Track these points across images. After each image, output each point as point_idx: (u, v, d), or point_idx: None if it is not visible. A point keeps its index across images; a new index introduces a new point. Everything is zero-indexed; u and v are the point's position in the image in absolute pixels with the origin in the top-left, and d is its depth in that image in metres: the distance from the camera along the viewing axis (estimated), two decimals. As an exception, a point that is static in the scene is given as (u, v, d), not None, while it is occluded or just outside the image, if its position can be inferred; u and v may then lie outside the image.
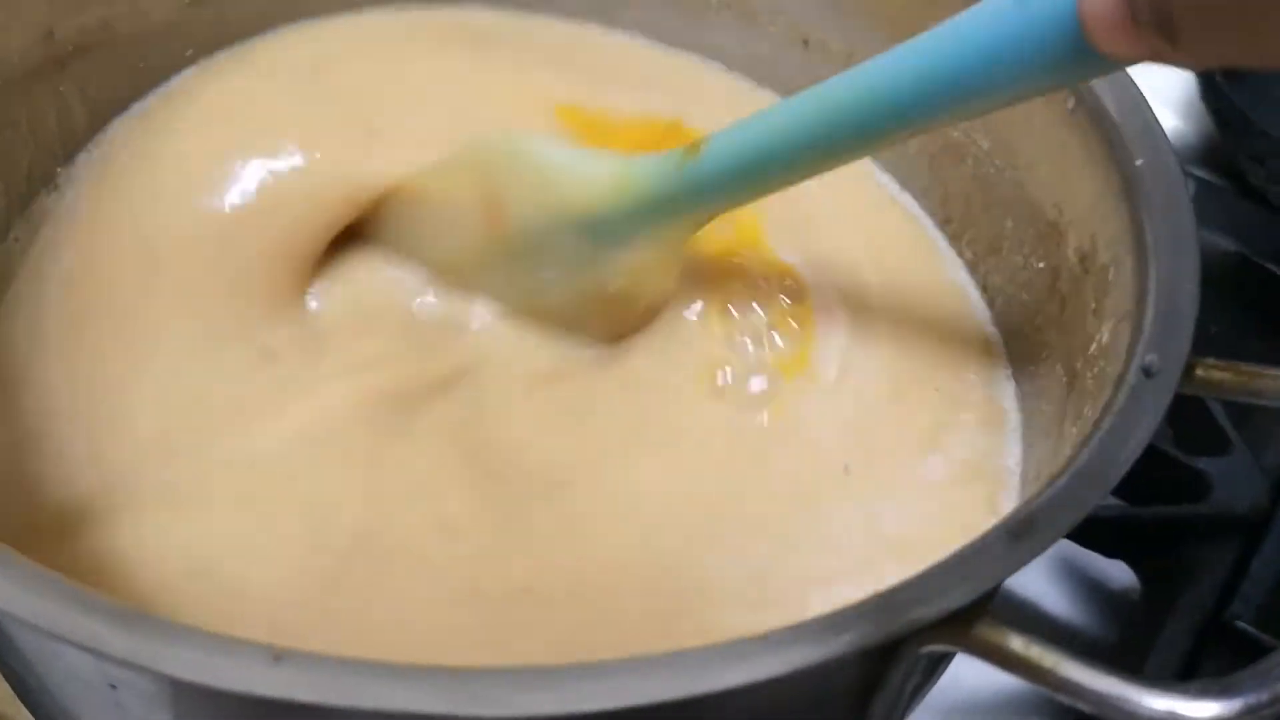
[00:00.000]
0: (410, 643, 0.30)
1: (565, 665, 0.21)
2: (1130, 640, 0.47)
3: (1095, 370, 0.33)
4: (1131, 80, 0.37)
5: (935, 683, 0.36)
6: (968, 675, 0.47)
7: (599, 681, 0.21)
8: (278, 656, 0.22)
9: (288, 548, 0.32)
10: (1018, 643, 0.24)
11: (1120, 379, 0.29)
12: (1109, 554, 0.49)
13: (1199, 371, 0.30)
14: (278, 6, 0.47)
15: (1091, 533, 0.47)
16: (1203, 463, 0.48)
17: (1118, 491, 0.48)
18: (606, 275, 0.36)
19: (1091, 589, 0.51)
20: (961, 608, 0.24)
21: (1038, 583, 0.51)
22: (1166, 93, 0.69)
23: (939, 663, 0.33)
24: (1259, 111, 0.58)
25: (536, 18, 0.49)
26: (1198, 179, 0.64)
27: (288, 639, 0.23)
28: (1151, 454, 0.47)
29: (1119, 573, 0.49)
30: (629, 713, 0.21)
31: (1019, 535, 0.25)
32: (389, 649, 0.24)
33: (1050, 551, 0.50)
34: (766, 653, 0.23)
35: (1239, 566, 0.47)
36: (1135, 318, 0.30)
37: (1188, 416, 0.51)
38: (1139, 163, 0.34)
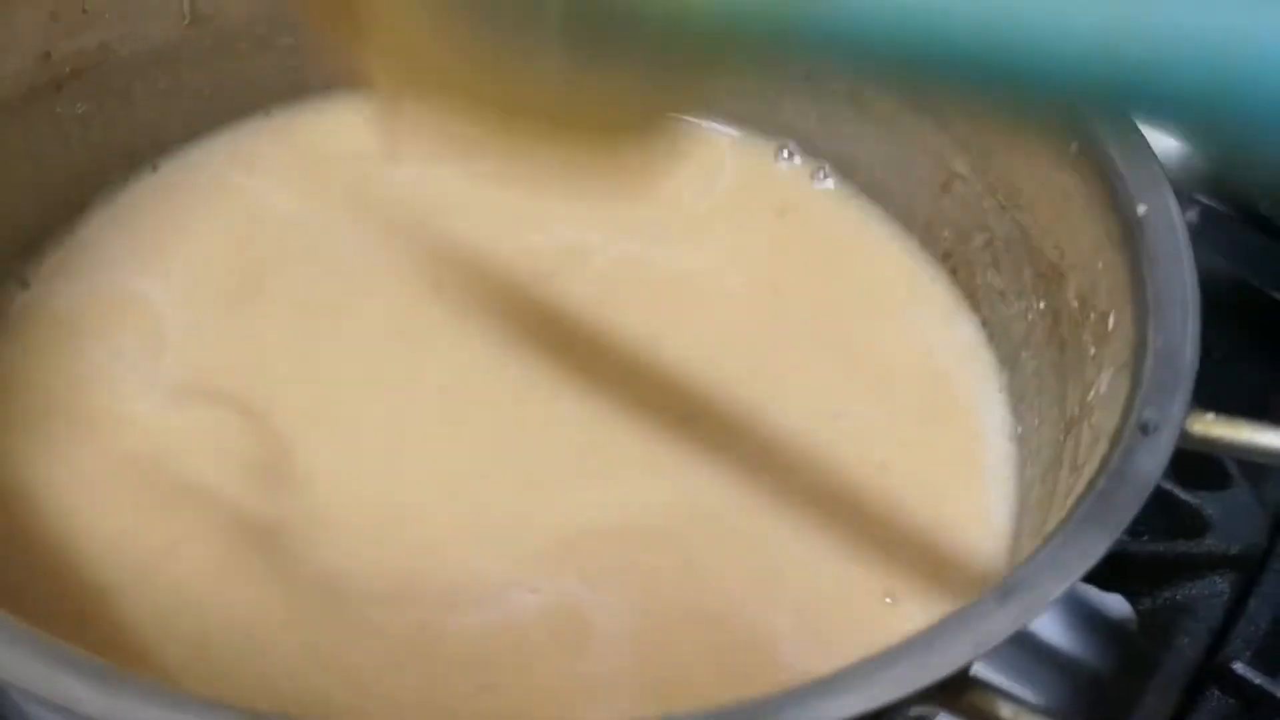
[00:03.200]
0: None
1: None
2: (1126, 677, 0.47)
3: (1092, 420, 0.32)
4: (1135, 125, 0.36)
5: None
6: None
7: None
8: (256, 717, 0.22)
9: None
10: (1008, 710, 0.24)
11: (1117, 434, 0.29)
12: (1105, 587, 0.48)
13: (1198, 428, 0.29)
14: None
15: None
16: (1201, 498, 0.48)
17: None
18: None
19: (1089, 618, 0.51)
20: (950, 675, 0.24)
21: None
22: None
23: None
24: (1267, 139, 0.58)
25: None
26: (1203, 205, 0.63)
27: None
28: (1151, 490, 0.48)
29: (1118, 603, 0.49)
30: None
31: (1006, 601, 0.24)
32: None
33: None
34: (754, 714, 0.22)
35: (1236, 606, 0.46)
36: (1133, 370, 0.30)
37: (1189, 452, 0.50)
38: (1141, 211, 0.34)
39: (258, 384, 0.39)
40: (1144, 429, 0.28)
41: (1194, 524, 0.47)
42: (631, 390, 0.40)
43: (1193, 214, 0.65)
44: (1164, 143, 0.69)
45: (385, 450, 0.38)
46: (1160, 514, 0.48)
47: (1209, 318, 0.64)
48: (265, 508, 0.36)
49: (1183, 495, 0.48)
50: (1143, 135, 0.36)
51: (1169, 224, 0.33)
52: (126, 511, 0.36)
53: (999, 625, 0.24)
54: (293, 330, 0.42)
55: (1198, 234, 0.64)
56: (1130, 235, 0.34)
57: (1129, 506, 0.27)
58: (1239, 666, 0.44)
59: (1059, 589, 0.25)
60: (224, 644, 0.32)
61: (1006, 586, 0.25)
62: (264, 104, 0.49)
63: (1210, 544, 0.47)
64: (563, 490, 0.37)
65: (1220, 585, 0.47)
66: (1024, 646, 0.50)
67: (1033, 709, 0.24)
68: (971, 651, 0.24)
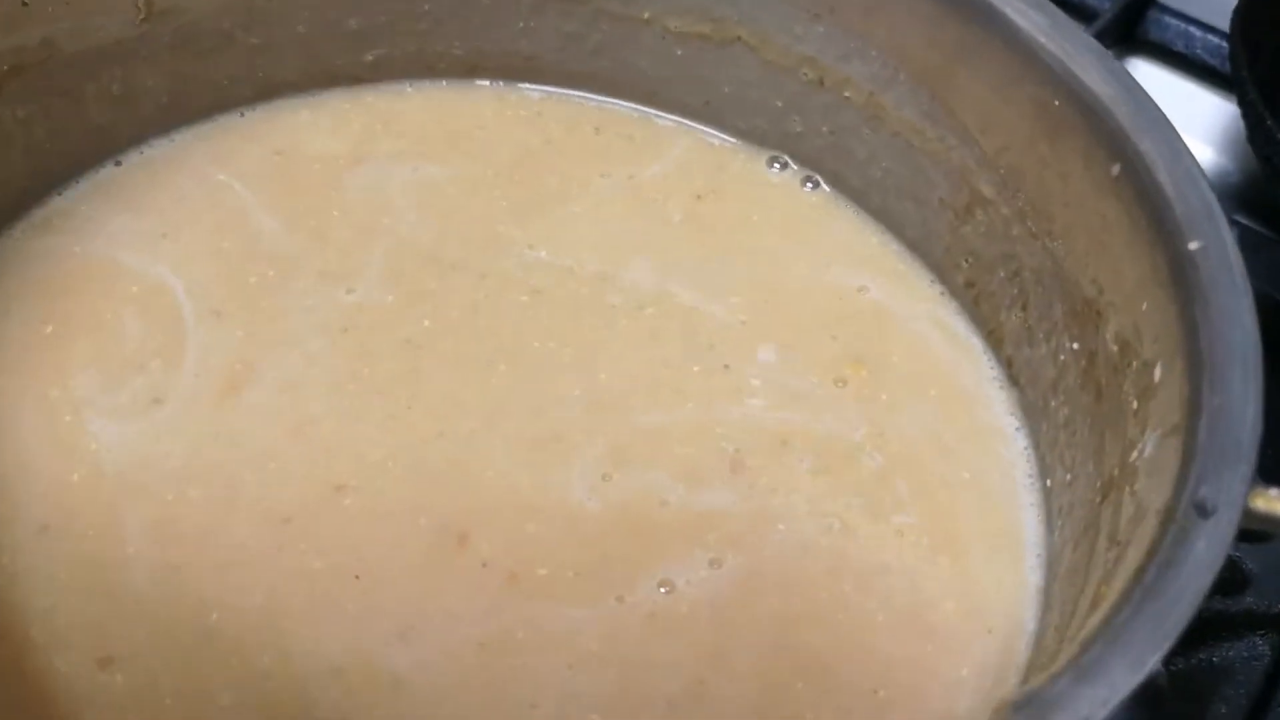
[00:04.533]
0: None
1: None
2: None
3: (1135, 486, 0.28)
4: (1186, 148, 0.32)
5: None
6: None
7: None
8: None
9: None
10: None
11: (1168, 513, 0.25)
12: (1136, 647, 0.45)
13: (1259, 503, 0.25)
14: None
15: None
16: (1243, 551, 0.44)
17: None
18: None
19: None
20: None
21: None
22: (1209, 128, 0.65)
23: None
24: (1311, 156, 0.54)
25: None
26: (1239, 224, 0.60)
27: None
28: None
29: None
30: None
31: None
32: None
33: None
34: None
35: (1277, 669, 0.43)
36: (1185, 436, 0.26)
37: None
38: (1193, 247, 0.30)
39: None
40: (1200, 510, 0.24)
41: (1233, 579, 0.44)
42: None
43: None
44: (1197, 155, 0.66)
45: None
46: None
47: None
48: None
49: (1222, 547, 0.44)
50: (1194, 159, 0.32)
51: (1225, 263, 0.30)
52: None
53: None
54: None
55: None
56: (1181, 274, 0.30)
57: (1185, 606, 0.23)
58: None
59: (1103, 711, 0.21)
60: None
61: (1040, 704, 0.21)
62: (230, 105, 0.45)
63: (1251, 601, 0.44)
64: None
65: (1261, 647, 0.44)
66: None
67: None
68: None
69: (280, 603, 0.33)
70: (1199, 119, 0.66)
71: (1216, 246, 0.30)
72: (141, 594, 0.33)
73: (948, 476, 0.38)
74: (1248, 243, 0.59)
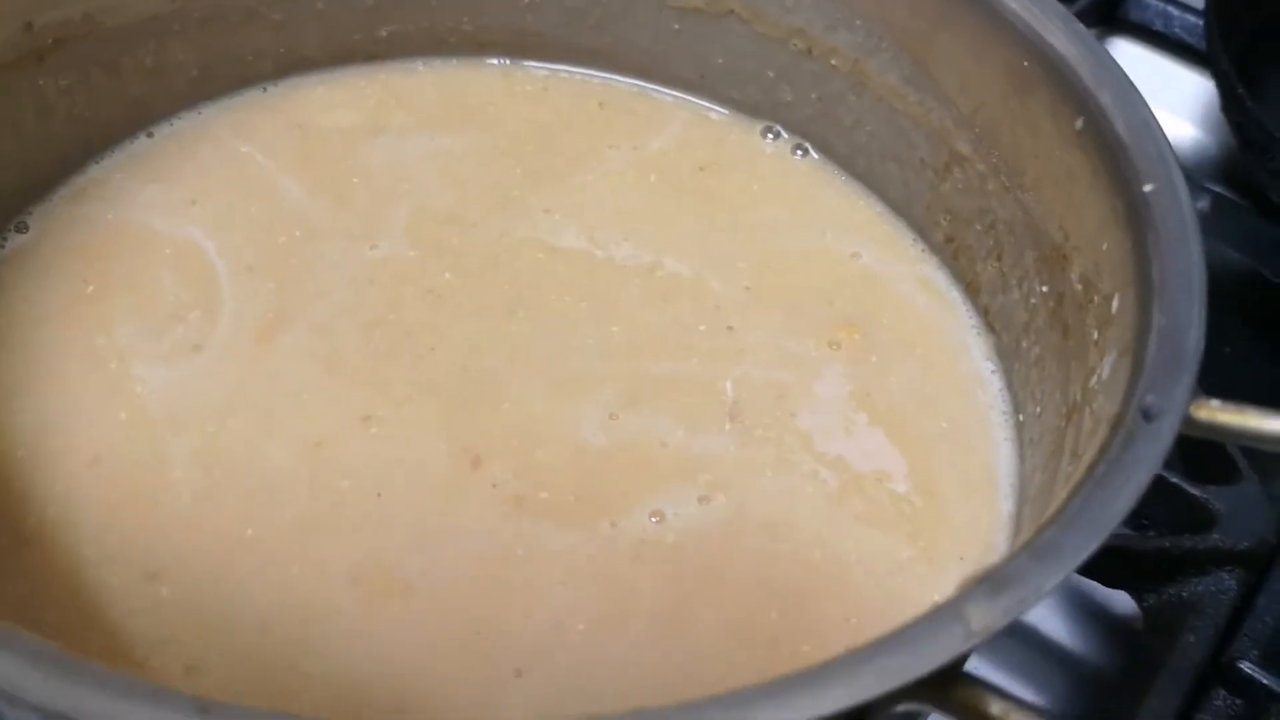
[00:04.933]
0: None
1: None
2: (1131, 675, 0.46)
3: (1094, 406, 0.31)
4: (1142, 100, 0.35)
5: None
6: None
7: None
8: (203, 709, 0.21)
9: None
10: (997, 708, 0.23)
11: (1117, 420, 0.27)
12: (1110, 584, 0.47)
13: (1202, 414, 0.28)
14: None
15: (1093, 563, 0.46)
16: (1210, 493, 0.47)
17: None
18: None
19: (1093, 616, 0.50)
20: (940, 669, 0.22)
21: (1041, 610, 0.50)
22: (1188, 104, 0.68)
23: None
24: (1282, 126, 0.57)
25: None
26: (1215, 194, 0.62)
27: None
28: (1157, 483, 0.46)
29: (1123, 599, 0.48)
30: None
31: (996, 593, 0.23)
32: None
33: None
34: (736, 709, 0.21)
35: (1244, 603, 0.45)
36: (1136, 354, 0.29)
37: (1197, 443, 0.49)
38: (1147, 189, 0.32)
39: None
40: (1146, 415, 0.27)
41: (1202, 519, 0.46)
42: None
43: (1204, 203, 0.64)
44: (1176, 129, 0.68)
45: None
46: (1167, 509, 0.47)
47: (1222, 310, 0.63)
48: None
49: (1190, 489, 0.47)
50: (1149, 110, 0.35)
51: (1176, 202, 0.32)
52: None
53: (991, 618, 0.23)
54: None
55: (1210, 224, 0.64)
56: (1136, 213, 0.32)
57: (1128, 496, 0.25)
58: (1246, 666, 0.43)
59: (1053, 581, 0.24)
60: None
61: (999, 578, 0.24)
62: (253, 80, 0.48)
63: (1218, 540, 0.46)
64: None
65: (1228, 582, 0.46)
66: (1026, 643, 0.49)
67: (1023, 706, 0.23)
68: (962, 643, 0.23)
69: (309, 518, 0.36)
70: (1178, 96, 0.68)
71: (1168, 188, 0.33)
72: (185, 514, 0.36)
73: (928, 426, 0.41)
74: (1224, 211, 0.62)
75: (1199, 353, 0.28)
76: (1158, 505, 0.47)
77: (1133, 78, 0.36)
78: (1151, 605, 0.46)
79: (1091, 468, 0.27)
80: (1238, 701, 0.43)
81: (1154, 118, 0.35)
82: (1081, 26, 0.37)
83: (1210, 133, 0.68)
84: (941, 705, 0.23)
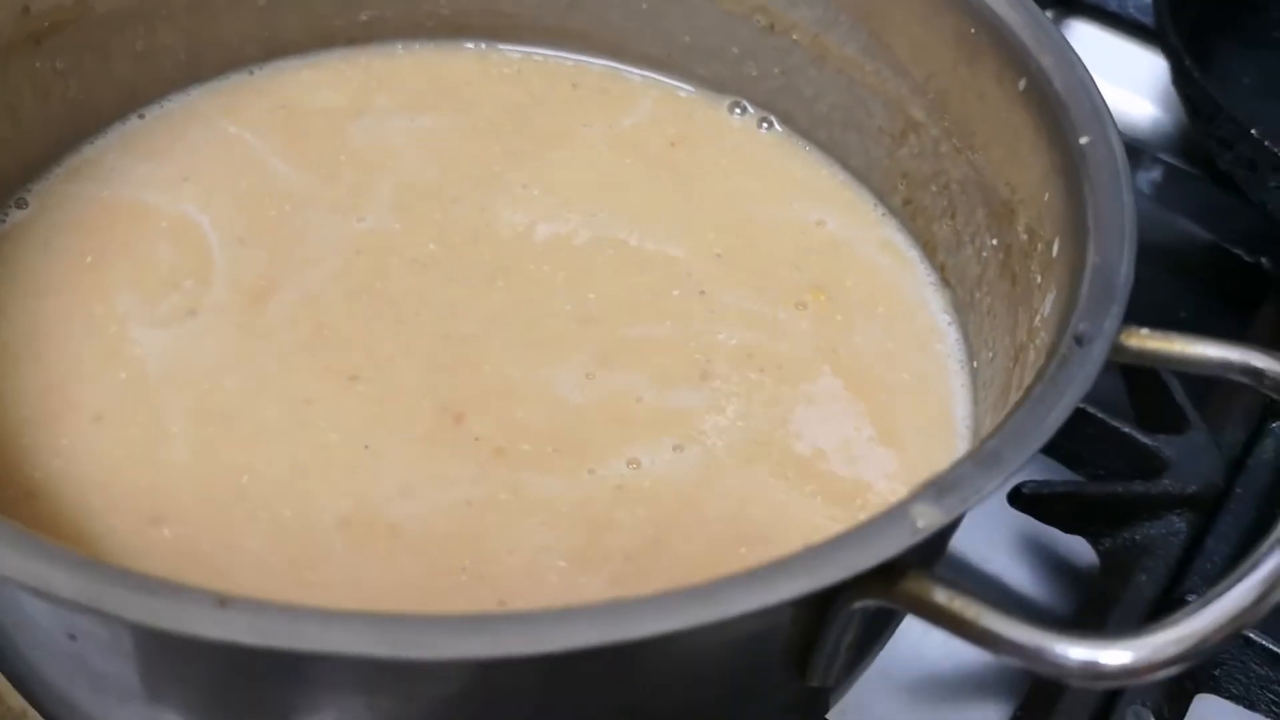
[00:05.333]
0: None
1: (489, 613, 0.22)
2: (1089, 614, 0.48)
3: (1036, 342, 0.34)
4: (1079, 60, 0.37)
5: (881, 645, 0.37)
6: (930, 651, 0.48)
7: (520, 628, 0.22)
8: (223, 602, 0.23)
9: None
10: (942, 596, 0.25)
11: (1053, 348, 0.30)
12: (1067, 529, 0.49)
13: (1132, 341, 0.30)
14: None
15: (1050, 509, 0.48)
16: (1160, 441, 0.49)
17: (1076, 468, 0.50)
18: None
19: (1055, 565, 0.52)
20: (887, 562, 0.25)
21: (1002, 558, 0.52)
22: (1145, 81, 0.70)
23: (880, 623, 0.34)
24: (1228, 97, 0.59)
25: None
26: (1170, 166, 0.65)
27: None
28: (1111, 432, 0.49)
29: (1083, 549, 0.50)
30: (550, 658, 0.22)
31: (941, 495, 0.26)
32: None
33: (1015, 529, 0.52)
34: (692, 603, 0.23)
35: (1193, 544, 0.48)
36: (1071, 290, 0.31)
37: (1148, 395, 0.52)
38: (1083, 141, 0.35)
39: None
40: (1079, 341, 0.29)
41: (1153, 466, 0.49)
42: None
43: (1158, 174, 0.67)
44: (1133, 106, 0.71)
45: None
46: (1120, 457, 0.49)
47: (1178, 277, 0.65)
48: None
49: (1142, 438, 0.49)
50: (1086, 69, 0.37)
51: (1109, 152, 0.35)
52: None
53: (934, 517, 0.25)
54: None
55: (1165, 195, 0.66)
56: (1073, 164, 0.35)
57: (1061, 411, 0.28)
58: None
59: (992, 485, 0.26)
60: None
61: (943, 483, 0.26)
62: (240, 63, 0.50)
63: (1168, 485, 0.48)
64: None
65: (1178, 525, 0.48)
66: (990, 589, 0.51)
67: (965, 592, 0.25)
68: (909, 538, 0.25)
69: (301, 468, 0.37)
70: (1134, 73, 0.71)
71: (1102, 140, 0.35)
72: (184, 465, 0.37)
73: (889, 378, 0.43)
74: (1178, 182, 0.65)
75: (1128, 285, 0.31)
76: (1111, 453, 0.49)
77: (1090, 57, 0.38)
78: (1107, 548, 0.48)
79: (1029, 390, 0.29)
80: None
81: (1090, 76, 0.37)
82: (1021, -9, 0.39)
83: (1166, 109, 0.71)
84: (892, 597, 0.25)
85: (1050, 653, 0.24)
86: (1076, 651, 0.24)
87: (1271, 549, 0.25)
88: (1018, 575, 0.52)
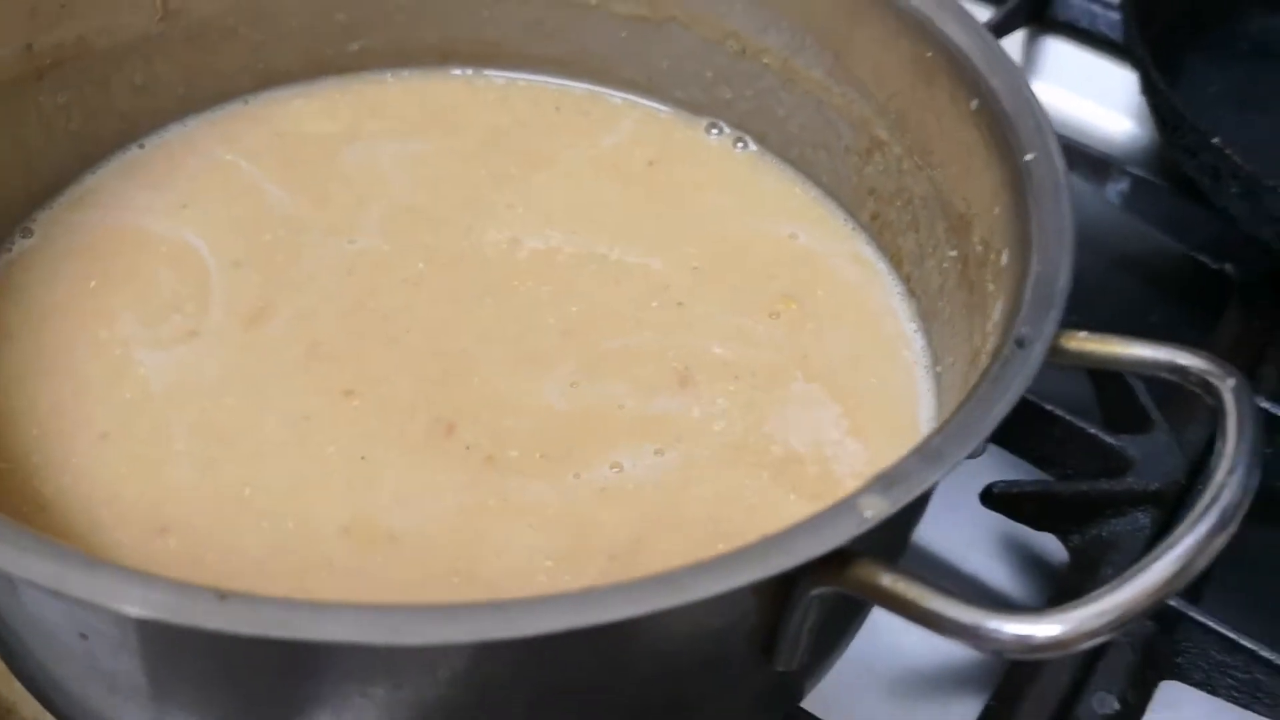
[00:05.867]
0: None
1: (469, 602, 0.24)
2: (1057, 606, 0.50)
3: (988, 346, 0.36)
4: (1025, 82, 0.40)
5: (851, 636, 0.39)
6: (909, 646, 0.50)
7: (497, 615, 0.24)
8: (223, 596, 0.25)
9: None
10: (888, 580, 0.27)
11: (998, 350, 0.32)
12: (1037, 527, 0.51)
13: (1070, 344, 0.32)
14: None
15: (1020, 508, 0.50)
16: (1125, 441, 0.51)
17: (1046, 468, 0.52)
18: None
19: (1028, 562, 0.54)
20: (838, 549, 0.27)
21: (979, 557, 0.54)
22: (1118, 97, 0.73)
23: (845, 613, 0.36)
24: (1193, 107, 0.61)
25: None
26: (1140, 178, 0.67)
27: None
28: (1078, 433, 0.51)
29: (1054, 546, 0.52)
30: (526, 643, 0.24)
31: (888, 488, 0.28)
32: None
33: (990, 529, 0.54)
34: (656, 590, 0.25)
35: (1157, 538, 0.49)
36: (1015, 297, 0.34)
37: (1114, 398, 0.54)
38: (1028, 158, 0.37)
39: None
40: (1020, 343, 0.31)
41: (1118, 465, 0.51)
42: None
43: (1127, 186, 0.69)
44: (1104, 119, 0.73)
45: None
46: (1087, 456, 0.52)
47: (1146, 284, 0.67)
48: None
49: (1107, 439, 0.51)
50: (1030, 89, 0.39)
51: (1051, 167, 0.37)
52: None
53: (881, 508, 0.27)
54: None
55: (1134, 205, 0.68)
56: (1019, 179, 0.37)
57: (1000, 409, 0.30)
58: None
59: (934, 478, 0.28)
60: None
61: (890, 477, 0.28)
62: (235, 93, 0.52)
63: (1132, 482, 0.50)
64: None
65: (1142, 520, 0.50)
66: (966, 586, 0.53)
67: (909, 576, 0.27)
68: (857, 527, 0.27)
69: (301, 480, 0.40)
70: (1107, 89, 0.73)
71: (1045, 156, 0.37)
72: (188, 479, 0.39)
73: (859, 382, 0.45)
74: (1148, 193, 0.67)
75: (1066, 291, 0.33)
76: (1079, 453, 0.51)
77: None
78: (1075, 544, 0.50)
79: (973, 390, 0.31)
80: (1151, 624, 0.47)
81: (1034, 96, 0.39)
82: (974, 19, 0.42)
83: (1138, 124, 0.73)
84: (844, 583, 0.27)
85: (986, 629, 0.26)
86: (1011, 627, 0.26)
87: (1188, 530, 0.27)
88: (993, 572, 0.53)
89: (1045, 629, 0.26)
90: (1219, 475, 0.28)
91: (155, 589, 0.25)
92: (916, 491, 0.28)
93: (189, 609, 0.24)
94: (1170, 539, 0.27)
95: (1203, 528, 0.27)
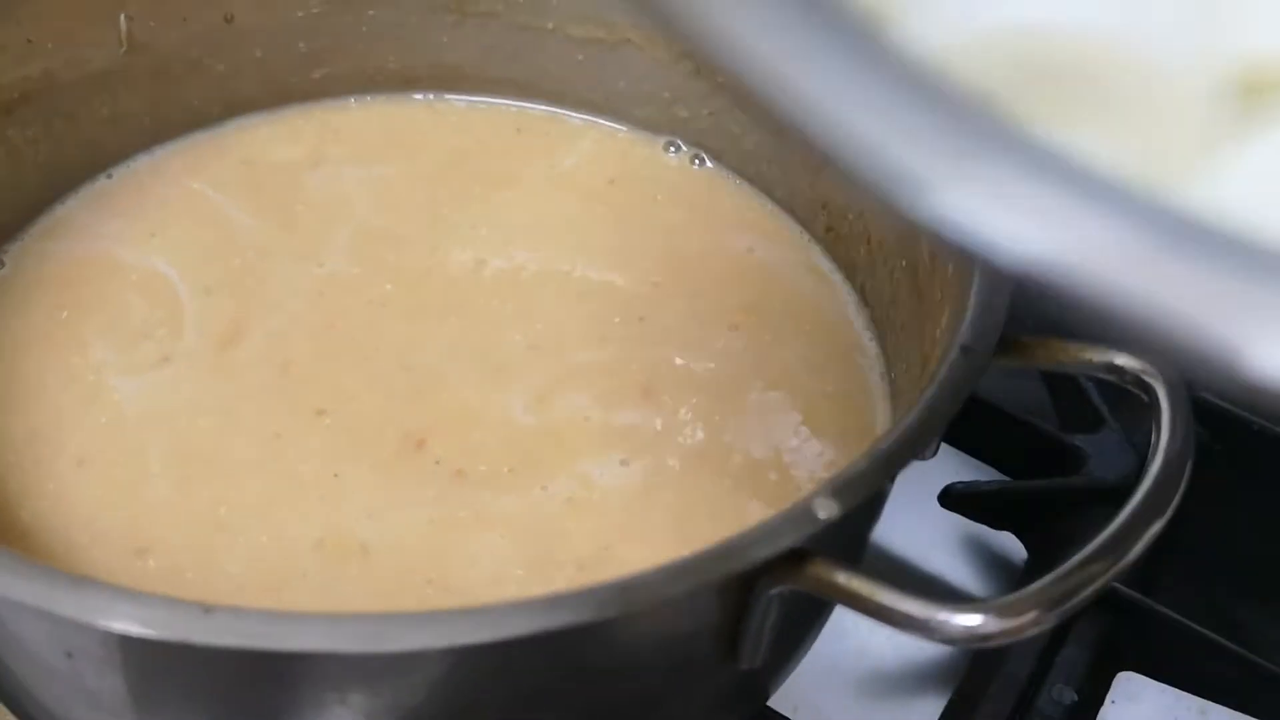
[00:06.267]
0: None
1: (438, 610, 0.25)
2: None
3: (937, 352, 0.37)
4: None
5: (814, 636, 0.40)
6: (875, 647, 0.51)
7: (470, 621, 0.25)
8: (208, 610, 0.26)
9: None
10: (843, 578, 0.28)
11: (944, 357, 0.33)
12: (996, 526, 0.53)
13: (1014, 347, 0.34)
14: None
15: (979, 507, 0.52)
16: (1079, 439, 0.53)
17: (1003, 467, 0.53)
18: None
19: (989, 560, 0.55)
20: (793, 550, 0.28)
21: (941, 557, 0.55)
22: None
23: (806, 612, 0.37)
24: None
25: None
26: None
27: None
28: (1034, 431, 0.53)
29: (1013, 544, 0.54)
30: (497, 646, 0.25)
31: (840, 490, 0.29)
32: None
33: (950, 530, 0.56)
34: (615, 595, 0.27)
35: (1110, 532, 0.51)
36: (961, 305, 0.35)
37: (1066, 399, 0.56)
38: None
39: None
40: (964, 351, 0.33)
41: (1073, 463, 0.52)
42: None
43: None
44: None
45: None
46: (1043, 455, 0.53)
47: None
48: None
49: (1063, 437, 0.53)
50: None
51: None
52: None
53: (833, 509, 0.29)
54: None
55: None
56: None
57: (944, 413, 0.31)
58: (1115, 584, 0.49)
59: (882, 480, 0.30)
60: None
61: (841, 481, 0.30)
62: (201, 123, 0.53)
63: (1086, 479, 0.51)
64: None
65: (1097, 515, 0.51)
66: (930, 586, 0.54)
67: (861, 574, 0.28)
68: (810, 528, 0.28)
69: (274, 497, 0.41)
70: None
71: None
72: (164, 501, 0.40)
73: (816, 390, 0.46)
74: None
75: (1007, 299, 0.34)
76: (1035, 452, 0.53)
77: None
78: (1033, 541, 0.52)
79: (921, 394, 0.32)
80: (1109, 617, 0.49)
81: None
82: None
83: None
84: (801, 581, 0.28)
85: (937, 620, 0.27)
86: (959, 619, 0.27)
87: (1124, 520, 0.28)
88: (955, 571, 0.55)
89: (992, 619, 0.27)
90: (1154, 468, 0.29)
91: (142, 605, 0.26)
92: (867, 493, 0.29)
93: (176, 624, 0.25)
94: (1109, 529, 0.28)
95: (1138, 517, 0.28)
